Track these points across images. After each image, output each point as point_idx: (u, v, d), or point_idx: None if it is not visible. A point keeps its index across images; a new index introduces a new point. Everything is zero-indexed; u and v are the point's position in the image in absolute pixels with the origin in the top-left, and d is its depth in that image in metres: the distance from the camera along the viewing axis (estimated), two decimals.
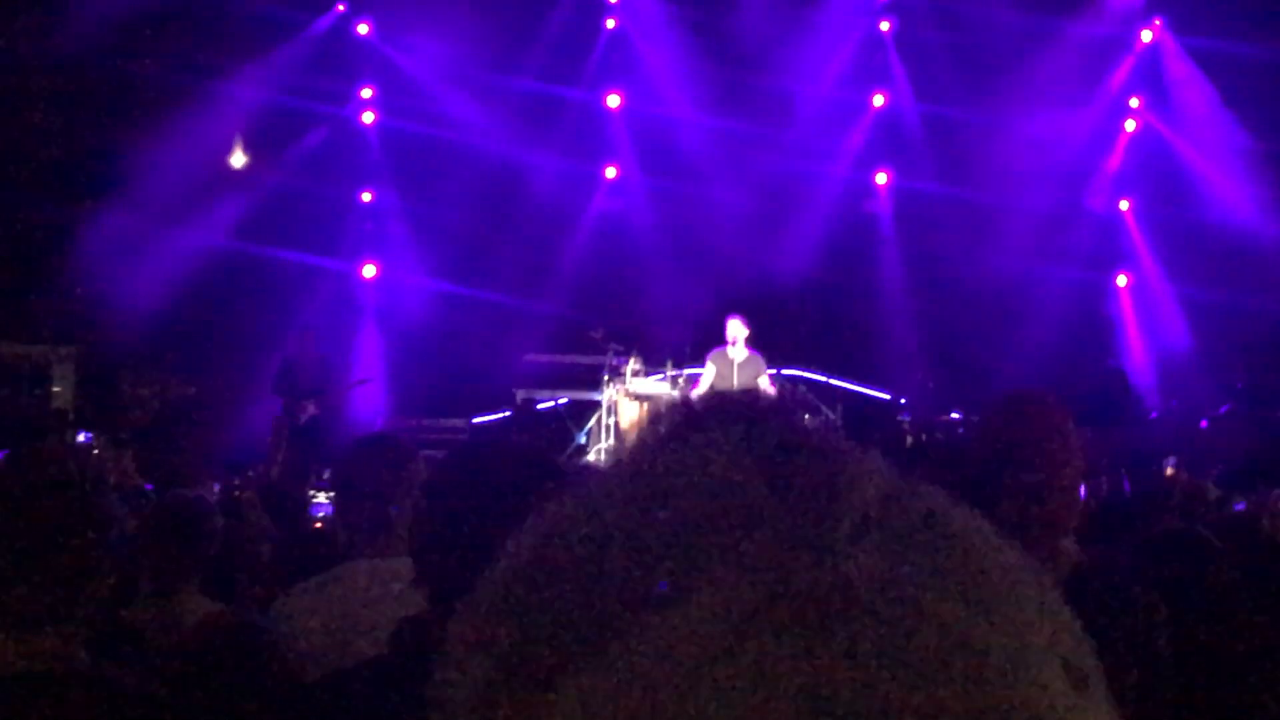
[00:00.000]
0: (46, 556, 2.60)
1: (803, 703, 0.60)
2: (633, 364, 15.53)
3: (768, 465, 0.68)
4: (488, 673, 0.66)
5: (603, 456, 15.54)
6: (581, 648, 0.63)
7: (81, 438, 12.31)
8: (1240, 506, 9.02)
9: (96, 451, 11.29)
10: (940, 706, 0.60)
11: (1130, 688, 2.71)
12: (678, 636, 0.62)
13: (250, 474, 12.79)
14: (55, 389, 17.27)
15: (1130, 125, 18.79)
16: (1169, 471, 13.10)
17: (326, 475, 13.44)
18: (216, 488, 9.91)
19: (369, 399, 17.12)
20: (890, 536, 0.66)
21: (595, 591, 0.65)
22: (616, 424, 15.69)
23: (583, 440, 16.19)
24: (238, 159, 18.17)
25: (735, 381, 14.00)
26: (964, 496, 0.70)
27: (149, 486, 9.87)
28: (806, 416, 0.75)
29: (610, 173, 19.04)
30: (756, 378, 14.22)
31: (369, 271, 18.50)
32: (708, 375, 14.22)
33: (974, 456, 3.79)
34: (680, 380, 15.71)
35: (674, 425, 0.74)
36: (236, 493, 7.74)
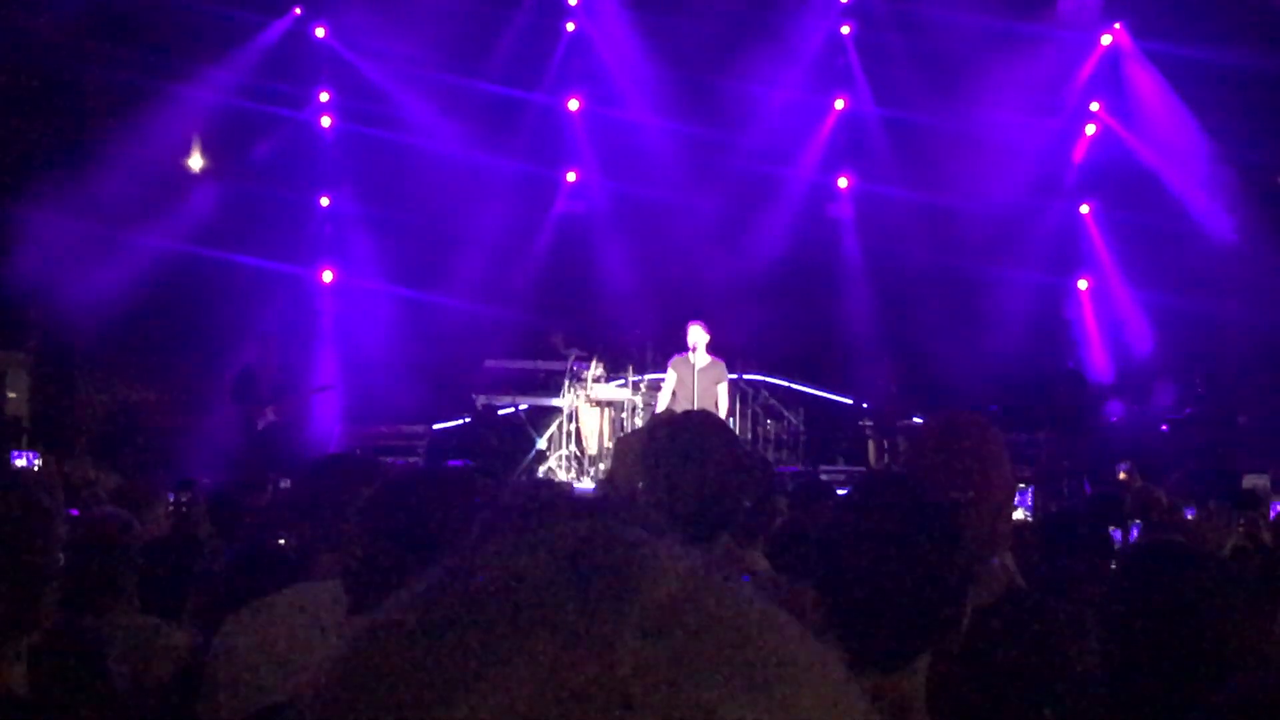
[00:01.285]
0: None
1: None
2: (594, 370, 15.50)
3: (568, 562, 0.69)
4: None
5: (563, 463, 15.50)
6: None
7: (23, 461, 12.11)
8: (1190, 513, 9.05)
9: (39, 466, 11.12)
10: None
11: (1056, 711, 2.72)
12: None
13: (203, 484, 12.62)
14: (10, 395, 17.06)
15: (1090, 129, 18.85)
16: (1122, 476, 13.15)
17: (286, 484, 13.32)
18: (170, 498, 9.77)
19: (328, 406, 17.00)
20: (682, 633, 0.67)
21: (405, 683, 0.66)
22: (578, 430, 15.66)
23: (543, 446, 16.11)
24: (195, 161, 18.01)
25: (695, 387, 14.00)
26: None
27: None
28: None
29: (571, 177, 18.99)
30: (717, 383, 14.24)
31: (327, 276, 18.40)
32: (669, 381, 14.22)
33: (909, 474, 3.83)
34: (641, 386, 15.69)
35: (490, 523, 0.78)
36: (185, 507, 7.62)
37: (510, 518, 0.76)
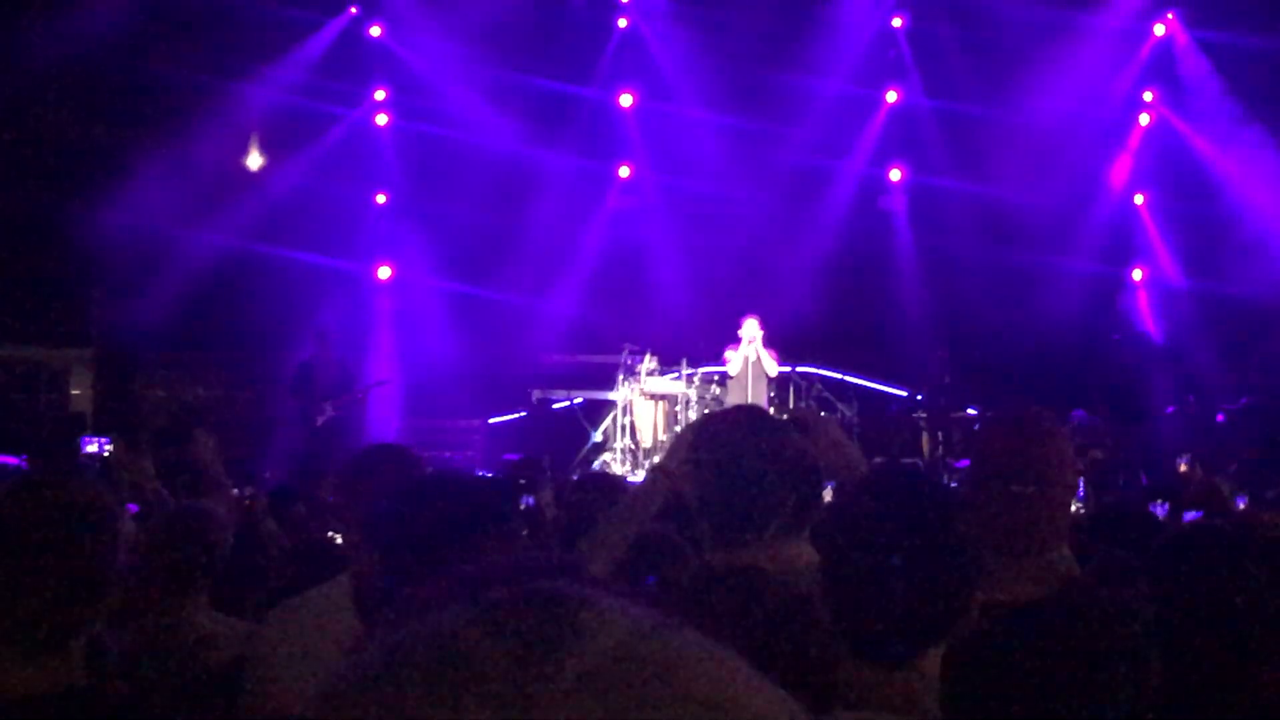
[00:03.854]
0: (49, 579, 2.56)
1: None
2: (647, 363, 15.58)
3: (495, 620, 0.70)
4: None
5: (618, 456, 15.59)
6: None
7: (94, 447, 12.28)
8: (1242, 501, 8.97)
9: (110, 452, 11.27)
10: None
11: (1119, 703, 2.73)
12: None
13: (265, 478, 12.80)
14: (73, 392, 17.32)
15: (1144, 119, 18.72)
16: (1183, 469, 13.05)
17: None
18: (235, 492, 9.90)
19: (385, 401, 17.14)
20: (618, 688, 0.67)
21: None
22: (632, 423, 15.74)
23: (599, 440, 16.22)
24: (254, 160, 18.19)
25: (750, 379, 14.13)
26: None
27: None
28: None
29: (624, 172, 19.04)
30: (770, 375, 14.38)
31: (384, 273, 18.54)
32: (730, 370, 14.55)
33: (971, 467, 3.86)
34: (695, 379, 15.75)
35: (429, 599, 0.76)
36: (247, 501, 7.74)
37: (450, 590, 0.77)
